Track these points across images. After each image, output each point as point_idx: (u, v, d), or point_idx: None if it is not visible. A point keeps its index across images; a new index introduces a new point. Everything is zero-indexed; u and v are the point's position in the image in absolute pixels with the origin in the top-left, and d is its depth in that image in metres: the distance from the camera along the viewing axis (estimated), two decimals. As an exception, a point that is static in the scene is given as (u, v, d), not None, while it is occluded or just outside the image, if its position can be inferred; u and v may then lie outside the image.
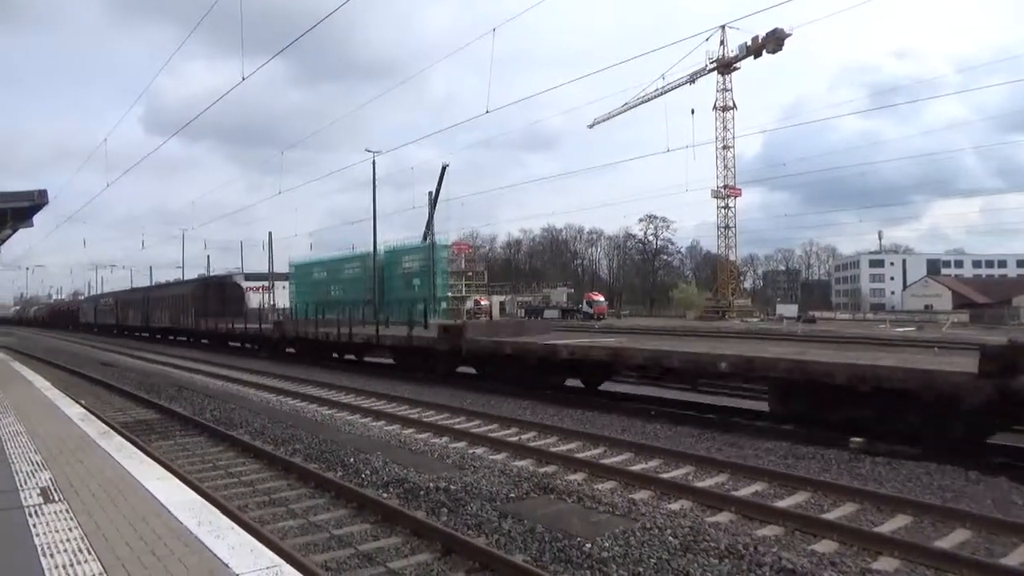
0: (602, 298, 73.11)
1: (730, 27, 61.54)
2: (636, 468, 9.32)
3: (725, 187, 70.11)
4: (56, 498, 5.60)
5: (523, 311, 69.02)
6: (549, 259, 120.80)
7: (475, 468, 9.02)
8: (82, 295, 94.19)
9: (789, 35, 58.94)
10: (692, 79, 64.85)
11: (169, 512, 5.12)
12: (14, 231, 17.59)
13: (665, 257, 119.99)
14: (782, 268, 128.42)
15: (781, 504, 7.64)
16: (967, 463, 8.85)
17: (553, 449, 10.51)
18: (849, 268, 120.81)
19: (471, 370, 18.86)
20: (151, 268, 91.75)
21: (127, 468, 6.62)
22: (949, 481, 8.32)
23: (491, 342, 17.96)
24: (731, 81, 67.66)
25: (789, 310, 77.16)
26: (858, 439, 10.05)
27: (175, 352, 34.36)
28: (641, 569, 5.60)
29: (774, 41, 59.82)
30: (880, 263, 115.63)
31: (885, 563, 5.91)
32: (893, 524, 6.96)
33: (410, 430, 12.35)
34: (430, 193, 57.08)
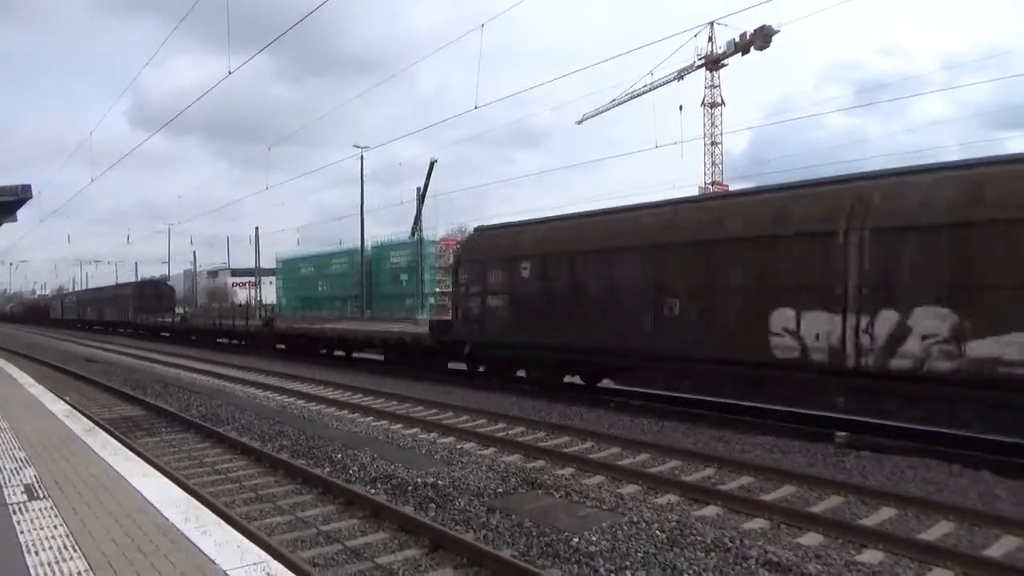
0: None
1: (718, 24, 61.65)
2: (624, 463, 9.36)
3: (713, 183, 70.30)
4: (41, 495, 5.56)
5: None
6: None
7: (463, 463, 9.02)
8: (67, 290, 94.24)
9: (777, 32, 59.16)
10: (680, 76, 64.96)
11: (155, 509, 5.09)
12: (-3, 226, 17.37)
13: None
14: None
15: (767, 498, 7.69)
16: (951, 456, 8.96)
17: (541, 444, 10.54)
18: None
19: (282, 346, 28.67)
20: (136, 264, 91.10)
21: (113, 465, 6.58)
22: (933, 474, 8.40)
23: (292, 327, 29.80)
24: (719, 78, 67.83)
25: None
26: (843, 433, 10.14)
27: (160, 348, 34.14)
28: (628, 563, 5.63)
29: (762, 38, 60.01)
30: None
31: (869, 555, 5.96)
32: (878, 517, 7.03)
33: (398, 426, 12.34)
34: (418, 189, 56.96)
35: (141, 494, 5.50)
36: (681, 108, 63.10)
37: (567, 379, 16.04)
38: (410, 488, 7.91)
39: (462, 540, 6.09)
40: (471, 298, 16.88)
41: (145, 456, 8.74)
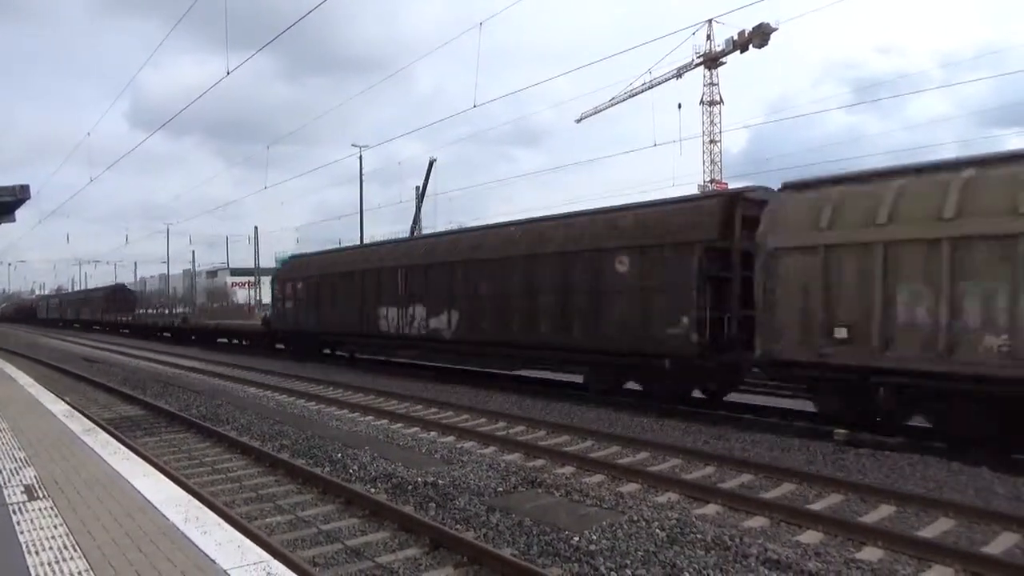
0: None
1: (717, 22, 61.63)
2: (624, 461, 9.36)
3: (712, 181, 70.26)
4: (41, 495, 5.57)
5: None
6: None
7: (463, 462, 9.03)
8: (66, 291, 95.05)
9: (775, 30, 59.16)
10: (679, 74, 64.94)
11: (155, 509, 5.10)
12: (-4, 226, 17.34)
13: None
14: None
15: (767, 496, 7.70)
16: (950, 454, 8.97)
17: (542, 443, 10.54)
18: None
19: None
20: (136, 264, 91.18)
21: (112, 465, 6.58)
22: (932, 472, 8.41)
23: (197, 324, 39.54)
24: (718, 76, 67.81)
25: None
26: (842, 431, 10.14)
27: (160, 348, 34.14)
28: (628, 561, 5.63)
29: (760, 36, 60.00)
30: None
31: (869, 553, 5.97)
32: (877, 514, 7.04)
33: (398, 425, 12.34)
34: (417, 187, 56.93)
35: (141, 494, 5.50)
36: (680, 106, 63.22)
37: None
38: (410, 487, 7.91)
39: (462, 539, 6.10)
40: (278, 302, 27.46)
41: (145, 456, 8.74)
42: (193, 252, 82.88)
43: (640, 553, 5.80)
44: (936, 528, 6.63)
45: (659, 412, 12.59)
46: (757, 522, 6.86)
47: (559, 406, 13.68)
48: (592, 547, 5.93)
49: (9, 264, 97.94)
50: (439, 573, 5.67)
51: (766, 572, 5.43)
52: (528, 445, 10.30)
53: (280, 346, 28.46)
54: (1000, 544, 6.19)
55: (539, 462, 9.41)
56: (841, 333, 9.88)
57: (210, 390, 17.19)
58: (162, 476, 6.49)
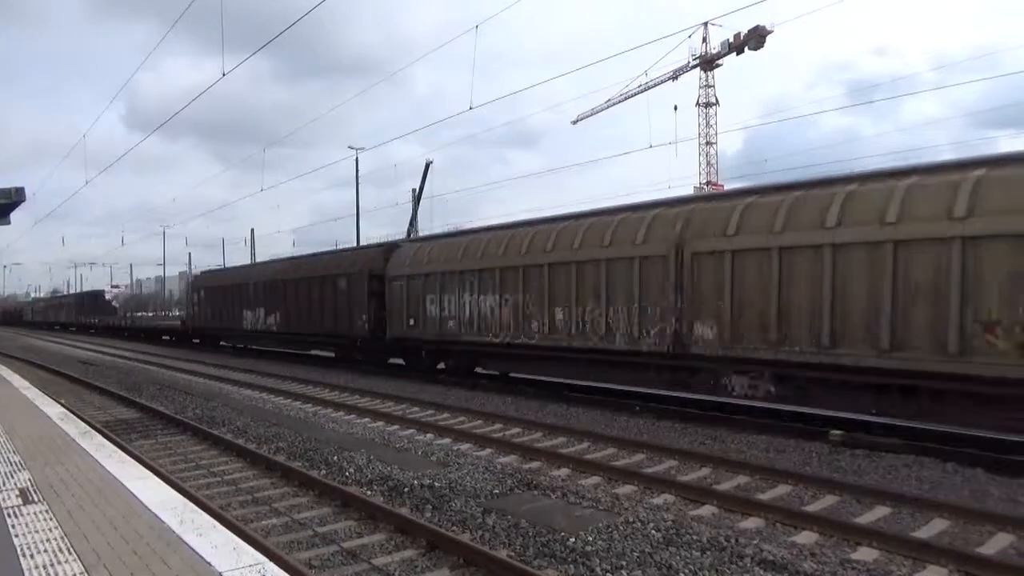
0: None
1: (713, 24, 61.78)
2: (620, 463, 9.37)
3: (708, 183, 70.37)
4: (36, 499, 5.55)
5: None
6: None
7: (459, 465, 9.03)
8: (61, 293, 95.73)
9: (771, 32, 59.28)
10: (675, 76, 65.04)
11: (151, 511, 5.09)
12: (-10, 229, 17.32)
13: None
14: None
15: (763, 497, 7.72)
16: (945, 455, 9.00)
17: (538, 445, 10.55)
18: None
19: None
20: (131, 266, 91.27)
21: (108, 468, 6.57)
22: (927, 473, 8.44)
23: (133, 323, 51.21)
24: (714, 78, 67.92)
25: None
26: (838, 432, 10.16)
27: (156, 351, 34.07)
28: (624, 563, 5.64)
29: (756, 38, 60.12)
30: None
31: (864, 553, 5.99)
32: (872, 515, 7.06)
33: (394, 427, 12.33)
34: (414, 190, 56.91)
35: (136, 497, 5.50)
36: (676, 108, 63.34)
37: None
38: (406, 489, 7.91)
39: (458, 541, 6.10)
40: (192, 306, 36.39)
41: (140, 459, 8.72)
42: (189, 254, 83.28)
43: (636, 554, 5.81)
44: (931, 529, 6.65)
45: (655, 414, 12.61)
46: (753, 523, 6.88)
47: (555, 408, 13.69)
48: (588, 548, 5.94)
49: (4, 267, 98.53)
50: (435, 575, 5.67)
51: (761, 573, 5.45)
52: (524, 447, 10.31)
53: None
54: (994, 545, 6.21)
55: (535, 464, 9.42)
56: (411, 322, 19.22)
57: (206, 392, 17.16)
58: (157, 479, 6.47)
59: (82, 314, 62.90)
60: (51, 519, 4.99)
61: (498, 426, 12.25)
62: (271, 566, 3.98)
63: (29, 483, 6.04)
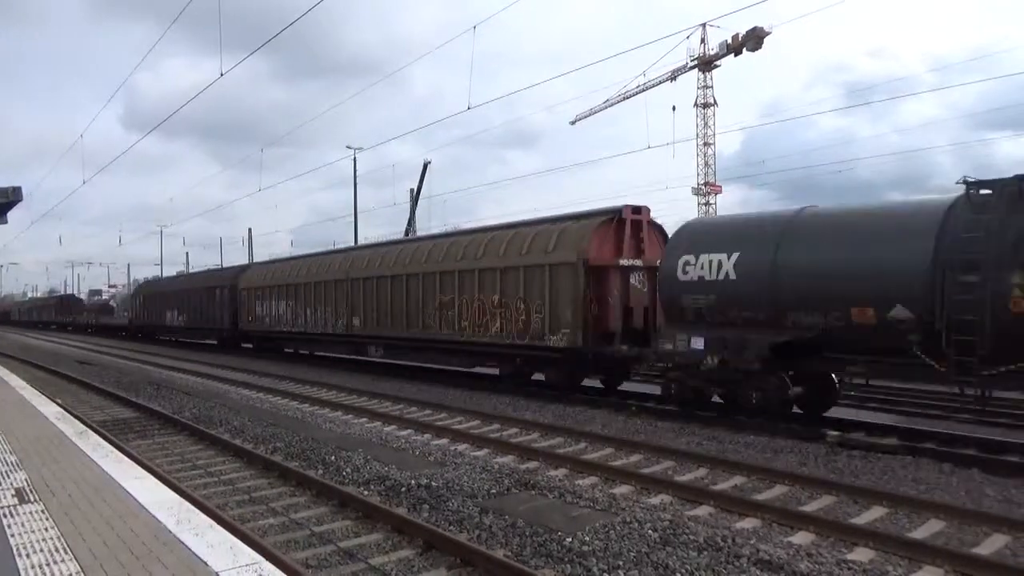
0: None
1: (711, 25, 61.85)
2: (617, 463, 9.38)
3: (706, 184, 70.45)
4: (32, 498, 5.55)
5: None
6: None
7: (457, 464, 9.03)
8: (58, 292, 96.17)
9: (768, 33, 59.36)
10: (673, 76, 65.06)
11: (147, 511, 5.08)
12: (-13, 228, 17.29)
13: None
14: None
15: (759, 497, 7.72)
16: (941, 455, 9.02)
17: (535, 445, 10.55)
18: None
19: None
20: (129, 265, 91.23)
21: (104, 467, 6.56)
22: (924, 474, 8.45)
23: (113, 322, 57.83)
24: (712, 78, 67.98)
25: None
26: (835, 433, 10.19)
27: (153, 350, 34.02)
28: (621, 562, 5.65)
29: (754, 39, 60.19)
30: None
31: (860, 554, 6.00)
32: (869, 516, 7.07)
33: (392, 427, 12.33)
34: (411, 190, 56.95)
35: (133, 497, 5.49)
36: (674, 109, 63.38)
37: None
38: (404, 489, 7.91)
39: (455, 540, 6.10)
40: (136, 308, 46.86)
41: (137, 459, 8.71)
42: (187, 254, 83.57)
43: (633, 554, 5.81)
44: (927, 529, 6.66)
45: (654, 415, 12.64)
46: (749, 523, 6.88)
47: (553, 408, 13.70)
48: (585, 548, 5.94)
49: (1, 266, 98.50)
50: (432, 575, 5.67)
51: (758, 572, 5.45)
52: (522, 447, 10.31)
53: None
54: (990, 545, 6.22)
55: (533, 464, 9.42)
56: (249, 319, 28.90)
57: (203, 392, 17.15)
58: (154, 479, 6.47)
59: (60, 314, 73.18)
60: (47, 519, 4.98)
61: (495, 426, 12.26)
62: (268, 566, 3.97)
63: (25, 483, 6.03)
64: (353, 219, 42.66)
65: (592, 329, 14.43)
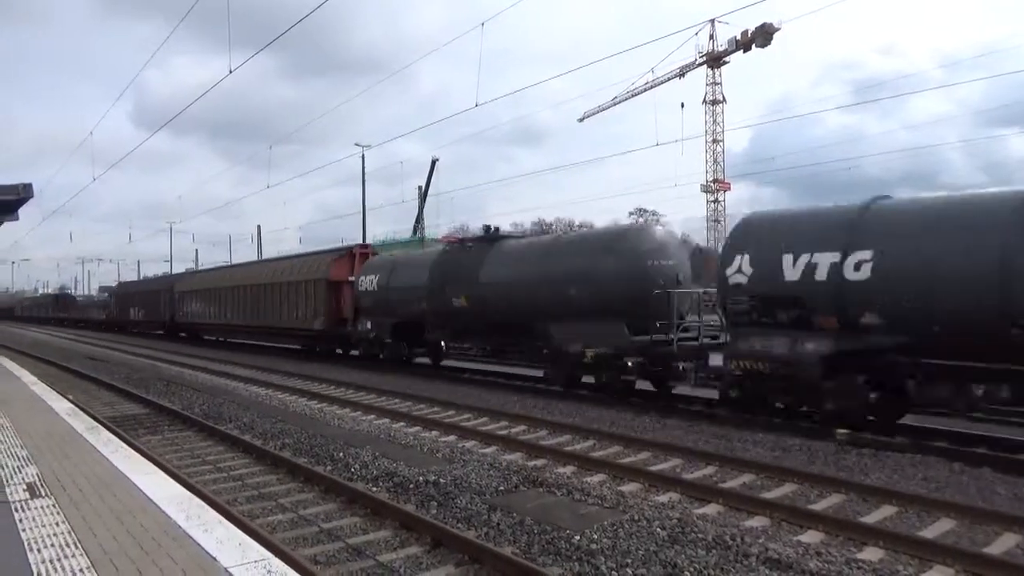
0: None
1: (719, 21, 61.61)
2: (625, 461, 9.36)
3: (715, 181, 70.21)
4: (43, 493, 5.59)
5: None
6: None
7: (465, 462, 9.03)
8: (69, 289, 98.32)
9: (778, 29, 59.12)
10: (682, 73, 64.90)
11: (157, 507, 5.11)
12: (-1, 224, 17.38)
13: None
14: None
15: (768, 495, 7.69)
16: (951, 454, 8.97)
17: (543, 442, 10.55)
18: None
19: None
20: (139, 262, 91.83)
21: (115, 463, 6.60)
22: (934, 472, 8.40)
23: (95, 317, 64.85)
24: (720, 75, 67.74)
25: None
26: (844, 431, 10.14)
27: (163, 347, 34.20)
28: (629, 560, 5.64)
29: (763, 35, 59.96)
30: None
31: (870, 553, 5.97)
32: (878, 514, 7.03)
33: (400, 424, 12.35)
34: (420, 187, 57.03)
35: (143, 492, 5.52)
36: (683, 105, 63.13)
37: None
38: (412, 486, 7.92)
39: (463, 538, 6.11)
40: (111, 306, 56.68)
41: (147, 454, 8.77)
42: (196, 251, 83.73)
43: (641, 552, 5.80)
44: (937, 528, 6.62)
45: (661, 411, 12.61)
46: (758, 522, 6.86)
47: (561, 405, 13.69)
48: (593, 546, 5.94)
49: (12, 262, 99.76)
50: (440, 571, 5.68)
51: (767, 572, 5.43)
52: (529, 444, 10.31)
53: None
54: (1001, 545, 6.18)
55: (540, 461, 9.42)
56: (182, 313, 38.42)
57: (212, 389, 17.23)
58: (164, 474, 6.51)
59: (55, 310, 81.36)
60: (58, 513, 5.02)
61: (503, 423, 12.26)
62: (276, 562, 3.99)
63: (37, 477, 6.08)
64: (361, 216, 42.83)
65: (334, 317, 23.90)
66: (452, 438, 11.07)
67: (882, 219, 10.38)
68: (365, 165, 43.17)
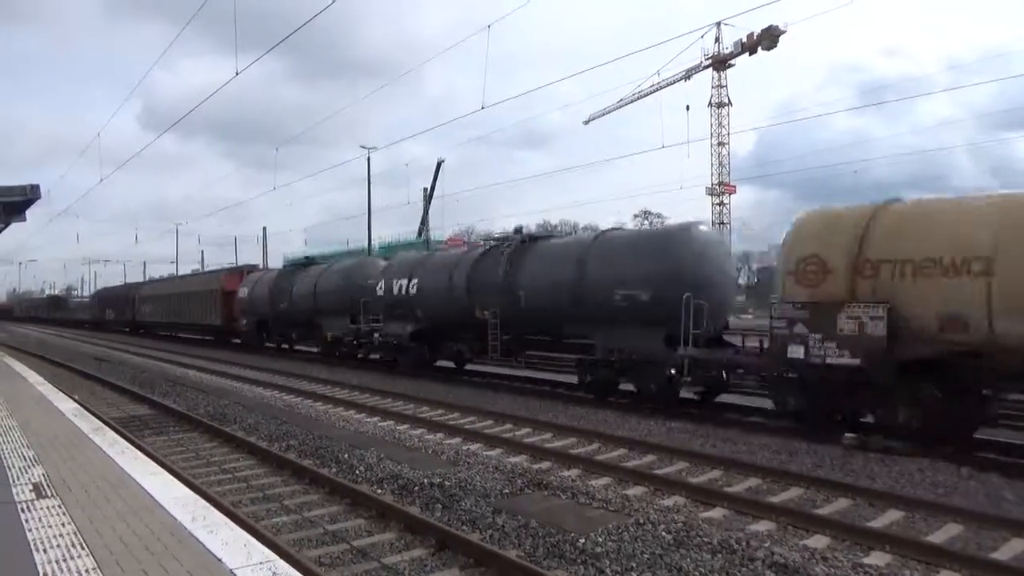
0: None
1: (726, 24, 61.56)
2: (630, 464, 9.34)
3: (720, 184, 70.08)
4: (49, 493, 5.60)
5: None
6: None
7: (469, 464, 9.03)
8: (75, 291, 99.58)
9: (784, 32, 58.96)
10: (688, 75, 64.76)
11: (162, 508, 5.12)
12: (6, 225, 17.52)
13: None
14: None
15: (774, 500, 7.67)
16: (959, 459, 8.91)
17: (548, 445, 10.53)
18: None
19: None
20: (144, 263, 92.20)
21: (120, 464, 6.61)
22: (941, 477, 8.35)
23: (78, 317, 74.80)
24: (726, 78, 67.60)
25: None
26: (851, 435, 10.09)
27: (168, 348, 34.32)
28: (634, 564, 5.62)
29: (769, 38, 59.81)
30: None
31: (877, 558, 5.94)
32: (885, 519, 7.00)
33: (405, 426, 12.35)
34: (425, 189, 57.12)
35: (148, 493, 5.53)
36: (688, 108, 63.11)
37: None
38: (416, 488, 7.92)
39: (468, 540, 6.10)
40: (93, 307, 65.43)
41: (153, 455, 8.78)
42: (202, 252, 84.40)
43: (646, 556, 5.79)
44: (944, 533, 6.58)
45: (666, 415, 12.58)
46: (764, 526, 6.83)
47: (565, 408, 13.67)
48: (598, 549, 5.92)
49: (20, 263, 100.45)
50: (445, 574, 5.67)
51: (773, 576, 5.41)
52: (534, 447, 10.29)
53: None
54: (1009, 550, 6.14)
55: (545, 464, 9.40)
56: (139, 314, 48.18)
57: (217, 390, 17.26)
58: (169, 475, 6.52)
59: (50, 311, 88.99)
60: (64, 514, 5.03)
61: (508, 426, 12.25)
62: (281, 564, 3.99)
63: (43, 478, 6.09)
64: (367, 218, 42.92)
65: (227, 317, 33.15)
66: (457, 440, 11.06)
67: None
68: (371, 167, 43.29)
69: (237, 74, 16.55)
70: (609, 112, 68.67)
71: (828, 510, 7.31)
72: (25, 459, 6.87)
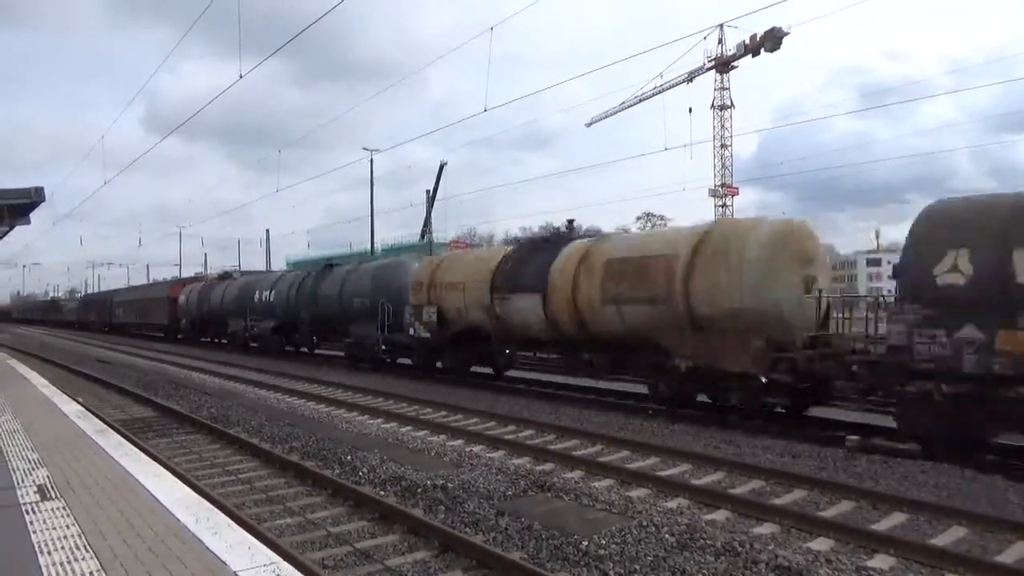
0: None
1: (728, 26, 61.55)
2: (633, 466, 9.34)
3: (723, 185, 70.01)
4: (53, 496, 5.61)
5: None
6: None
7: (472, 466, 9.03)
8: (79, 293, 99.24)
9: (787, 34, 58.97)
10: (690, 78, 64.78)
11: (166, 509, 5.12)
12: (11, 228, 17.52)
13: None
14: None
15: (778, 502, 7.66)
16: (963, 462, 8.89)
17: (550, 447, 10.53)
18: (846, 267, 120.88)
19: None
20: (148, 266, 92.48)
21: (124, 466, 6.62)
22: (945, 479, 8.33)
23: (69, 319, 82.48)
24: (729, 80, 67.57)
25: None
26: (854, 437, 10.07)
27: (172, 350, 34.35)
28: (637, 566, 5.62)
29: (772, 40, 59.80)
30: (877, 262, 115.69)
31: (880, 561, 5.93)
32: (889, 522, 6.99)
33: (407, 428, 12.35)
34: (428, 191, 57.10)
35: (152, 495, 5.54)
36: (691, 110, 63.20)
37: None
38: (419, 490, 7.92)
39: (471, 542, 6.10)
40: (79, 310, 76.01)
41: (156, 457, 8.79)
42: (205, 255, 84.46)
43: (649, 558, 5.78)
44: (949, 536, 6.56)
45: (669, 417, 12.57)
46: (767, 528, 6.82)
47: (568, 410, 13.66)
48: (601, 552, 5.92)
49: (24, 266, 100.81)
50: (448, 577, 5.67)
51: (776, 579, 5.40)
52: (537, 449, 10.29)
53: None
54: (1013, 553, 6.12)
55: (548, 466, 9.40)
56: (115, 317, 56.67)
57: (220, 392, 17.28)
58: (173, 477, 6.52)
59: (45, 313, 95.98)
60: (68, 516, 5.04)
61: (511, 428, 12.24)
62: (285, 566, 3.99)
63: (47, 480, 6.10)
64: (370, 221, 42.98)
65: (171, 317, 41.52)
66: (459, 442, 11.06)
67: None
68: (374, 169, 43.36)
69: (241, 77, 16.63)
70: (611, 114, 68.75)
71: (832, 512, 7.30)
72: (30, 461, 6.89)
